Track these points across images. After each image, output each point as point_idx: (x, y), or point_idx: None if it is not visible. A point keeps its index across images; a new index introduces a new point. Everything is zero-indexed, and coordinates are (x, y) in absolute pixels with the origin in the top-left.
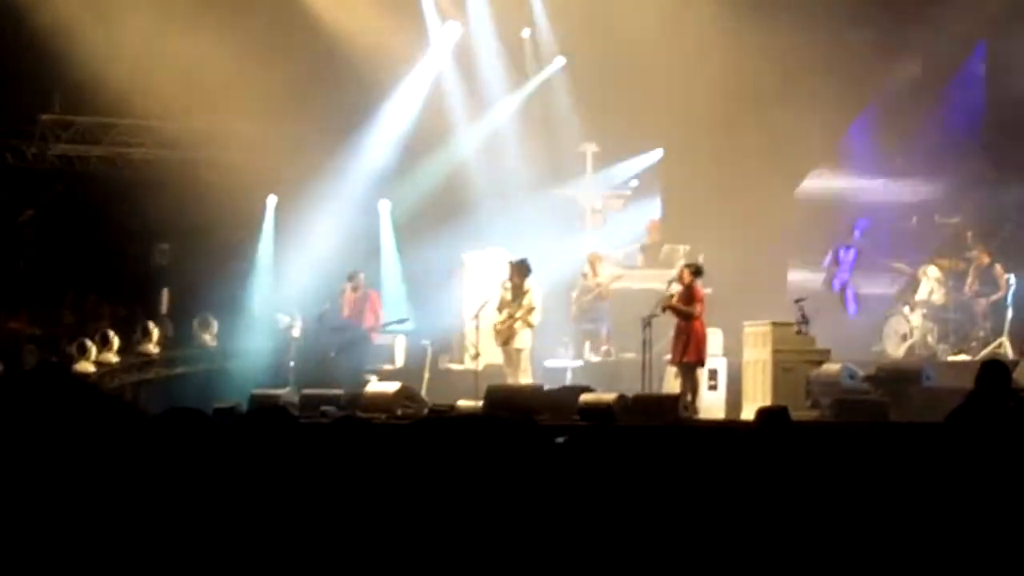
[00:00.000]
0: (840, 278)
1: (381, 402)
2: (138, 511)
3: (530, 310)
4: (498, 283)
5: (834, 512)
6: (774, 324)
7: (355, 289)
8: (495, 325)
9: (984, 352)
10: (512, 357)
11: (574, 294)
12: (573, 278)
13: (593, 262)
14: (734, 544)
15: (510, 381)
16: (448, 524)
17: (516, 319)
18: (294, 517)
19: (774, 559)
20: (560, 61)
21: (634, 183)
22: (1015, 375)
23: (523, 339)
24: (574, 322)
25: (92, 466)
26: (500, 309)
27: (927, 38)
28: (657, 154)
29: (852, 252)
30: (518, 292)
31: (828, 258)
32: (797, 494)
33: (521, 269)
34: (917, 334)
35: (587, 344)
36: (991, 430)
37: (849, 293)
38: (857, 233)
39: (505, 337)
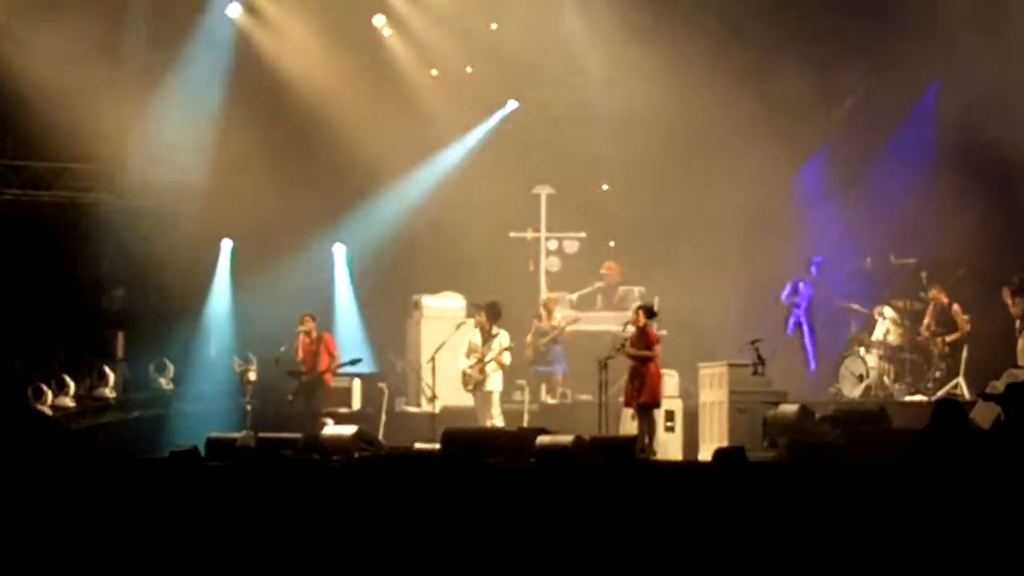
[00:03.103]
0: (795, 316)
1: (338, 445)
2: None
3: (502, 351)
4: (453, 325)
5: (790, 551)
6: (730, 365)
7: (308, 333)
8: (464, 370)
9: (940, 392)
10: (484, 400)
11: (528, 338)
12: (528, 321)
13: (548, 305)
14: None
15: (481, 424)
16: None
17: (488, 361)
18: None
19: None
20: (512, 104)
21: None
22: (971, 415)
23: (494, 382)
24: (529, 365)
25: (56, 504)
26: (468, 354)
27: (879, 78)
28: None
29: (808, 289)
30: (487, 336)
31: (787, 290)
32: (754, 533)
33: (491, 312)
34: (873, 375)
35: (543, 387)
36: (945, 469)
37: (805, 334)
38: (814, 270)
39: (476, 382)
